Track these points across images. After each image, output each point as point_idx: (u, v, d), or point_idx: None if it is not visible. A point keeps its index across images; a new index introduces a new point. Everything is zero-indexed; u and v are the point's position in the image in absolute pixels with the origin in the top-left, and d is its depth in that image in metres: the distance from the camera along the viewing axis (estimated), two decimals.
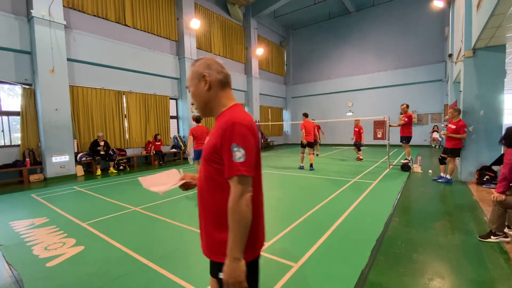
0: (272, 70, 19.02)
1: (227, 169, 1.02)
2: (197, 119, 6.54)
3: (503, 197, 2.83)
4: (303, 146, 8.17)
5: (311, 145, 8.18)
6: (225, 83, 1.19)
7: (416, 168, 7.30)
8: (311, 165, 8.05)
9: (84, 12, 8.71)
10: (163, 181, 1.44)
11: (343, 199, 4.70)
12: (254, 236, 1.10)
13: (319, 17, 18.24)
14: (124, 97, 9.95)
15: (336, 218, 3.71)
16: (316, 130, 8.44)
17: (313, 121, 12.71)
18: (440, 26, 14.29)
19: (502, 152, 5.58)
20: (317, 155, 11.88)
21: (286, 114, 21.04)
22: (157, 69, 10.98)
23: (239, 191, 0.99)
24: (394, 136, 13.44)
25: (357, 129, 9.84)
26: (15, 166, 7.16)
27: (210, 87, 1.16)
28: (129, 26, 10.04)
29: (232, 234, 0.99)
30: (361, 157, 9.85)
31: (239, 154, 1.00)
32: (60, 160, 7.72)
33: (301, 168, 8.16)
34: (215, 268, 1.10)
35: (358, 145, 9.84)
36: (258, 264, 1.17)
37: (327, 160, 10.41)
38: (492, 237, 2.93)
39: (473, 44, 5.58)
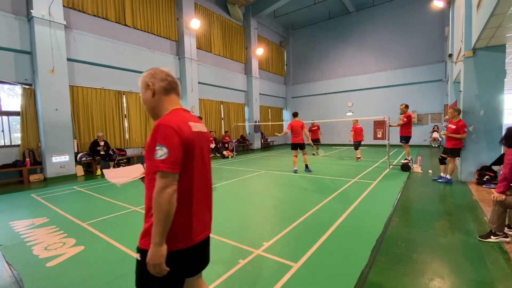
0: (272, 70, 19.02)
1: (152, 166, 1.15)
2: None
3: (503, 197, 2.83)
4: (293, 148, 7.61)
5: (302, 146, 7.52)
6: (169, 89, 1.33)
7: (416, 168, 7.30)
8: (306, 166, 7.59)
9: (84, 12, 8.72)
10: (126, 174, 1.49)
11: (343, 199, 4.69)
12: (180, 229, 1.21)
13: (319, 17, 18.24)
14: (124, 97, 9.95)
15: (336, 218, 3.71)
16: (306, 130, 7.50)
17: (312, 121, 12.74)
18: (440, 26, 14.29)
19: (502, 152, 5.58)
20: (313, 154, 11.99)
21: (286, 114, 21.04)
22: None
23: (160, 185, 1.10)
24: (394, 136, 13.43)
25: (359, 127, 10.01)
26: (15, 166, 7.16)
27: (154, 93, 1.30)
28: (129, 26, 10.04)
29: (154, 222, 1.10)
30: (358, 156, 9.87)
31: (160, 153, 1.11)
32: (60, 160, 7.72)
33: (295, 172, 7.48)
34: (136, 251, 1.25)
35: (355, 145, 9.99)
36: (190, 255, 1.26)
37: (327, 160, 10.41)
38: (492, 237, 2.92)
39: (473, 44, 5.58)
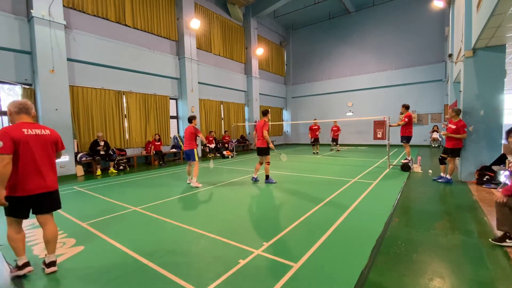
0: (272, 70, 19.02)
1: None
2: (188, 119, 6.25)
3: (504, 200, 2.78)
4: (259, 153, 6.27)
5: (262, 152, 6.18)
6: (18, 112, 2.46)
7: (416, 168, 7.30)
8: (267, 177, 6.27)
9: (84, 12, 8.72)
10: None
11: (343, 199, 4.69)
12: (13, 185, 2.33)
13: (319, 17, 18.24)
14: (124, 97, 9.95)
15: (336, 218, 3.71)
16: (266, 132, 6.09)
17: (315, 121, 12.72)
18: (440, 26, 14.29)
19: (502, 152, 5.59)
20: (314, 153, 12.62)
21: (286, 114, 21.04)
22: (157, 69, 10.99)
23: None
24: (394, 136, 13.43)
25: (335, 129, 13.02)
26: None
27: (10, 114, 2.48)
28: (129, 26, 10.04)
29: None
30: (338, 149, 13.57)
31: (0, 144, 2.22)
32: (60, 160, 7.70)
33: (255, 180, 6.41)
34: None
35: (335, 140, 13.21)
36: (18, 202, 2.37)
37: (327, 160, 10.42)
38: (507, 240, 2.77)
39: (473, 44, 5.58)
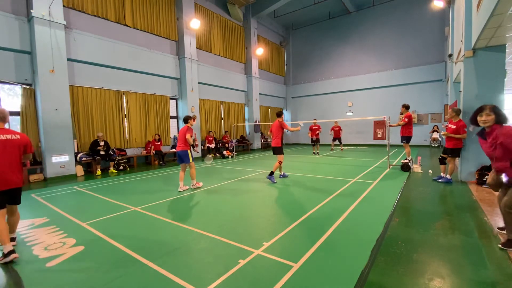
0: (272, 70, 19.01)
1: None
2: (183, 119, 5.97)
3: None
4: (274, 152, 6.69)
5: (276, 151, 6.54)
6: None
7: (416, 168, 7.30)
8: (271, 173, 6.47)
9: (84, 12, 8.72)
10: None
11: (343, 199, 4.69)
12: None
13: (319, 17, 18.24)
14: (124, 97, 9.95)
15: (336, 218, 3.71)
16: (288, 127, 6.50)
17: (315, 121, 12.70)
18: (440, 26, 14.29)
19: None
20: (314, 153, 12.62)
21: (286, 114, 21.04)
22: (157, 69, 10.99)
23: None
24: (394, 136, 13.45)
25: (337, 128, 13.09)
26: None
27: None
28: (129, 26, 10.04)
29: None
30: (341, 148, 13.84)
31: None
32: (60, 160, 7.72)
33: (284, 176, 6.89)
34: None
35: (338, 139, 13.28)
36: None
37: (326, 160, 10.41)
38: None
39: (473, 44, 5.58)
